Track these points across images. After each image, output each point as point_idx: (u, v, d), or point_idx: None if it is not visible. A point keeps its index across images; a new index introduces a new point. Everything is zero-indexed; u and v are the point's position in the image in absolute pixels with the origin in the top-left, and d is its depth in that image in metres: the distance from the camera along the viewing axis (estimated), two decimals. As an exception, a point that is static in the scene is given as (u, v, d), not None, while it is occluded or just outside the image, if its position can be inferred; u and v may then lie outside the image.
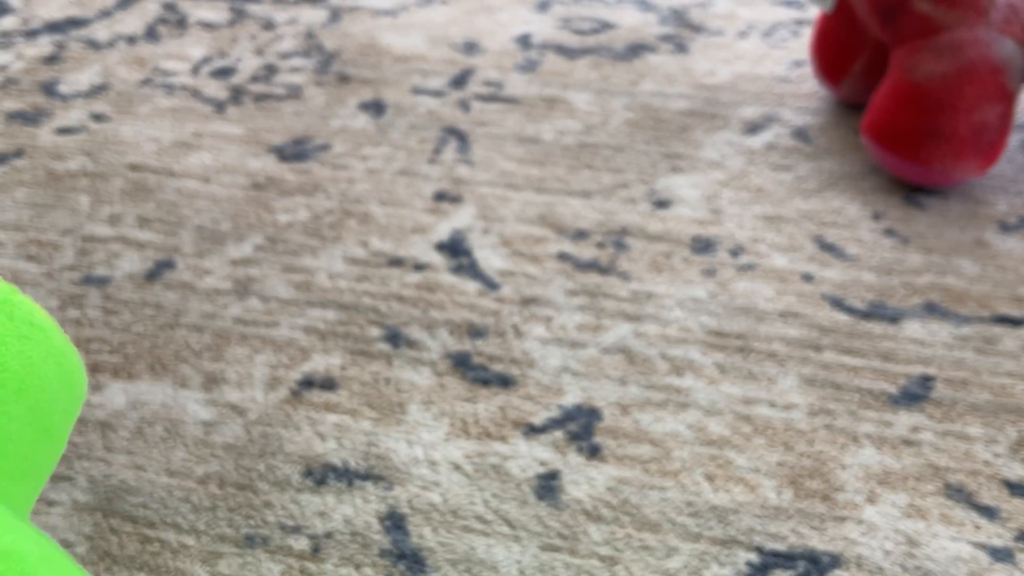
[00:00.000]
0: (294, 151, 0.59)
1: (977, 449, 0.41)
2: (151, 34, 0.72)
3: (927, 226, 0.53)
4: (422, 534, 0.38)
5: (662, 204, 0.55)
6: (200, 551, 0.38)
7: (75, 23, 0.73)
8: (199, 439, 0.42)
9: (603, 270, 0.50)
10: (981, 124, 0.51)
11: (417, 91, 0.65)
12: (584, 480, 0.40)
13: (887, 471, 0.41)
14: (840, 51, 0.59)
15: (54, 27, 0.73)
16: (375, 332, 0.47)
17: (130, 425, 0.43)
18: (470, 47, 0.69)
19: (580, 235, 0.53)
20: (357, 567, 0.37)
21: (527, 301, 0.49)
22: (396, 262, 0.51)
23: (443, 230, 0.53)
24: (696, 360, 0.46)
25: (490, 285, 0.50)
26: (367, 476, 0.41)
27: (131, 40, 0.71)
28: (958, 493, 0.40)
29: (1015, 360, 0.45)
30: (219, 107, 0.63)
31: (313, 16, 0.73)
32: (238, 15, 0.74)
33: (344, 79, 0.66)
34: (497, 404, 0.44)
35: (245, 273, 0.51)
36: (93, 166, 0.59)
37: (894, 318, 0.47)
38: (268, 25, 0.72)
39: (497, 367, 0.45)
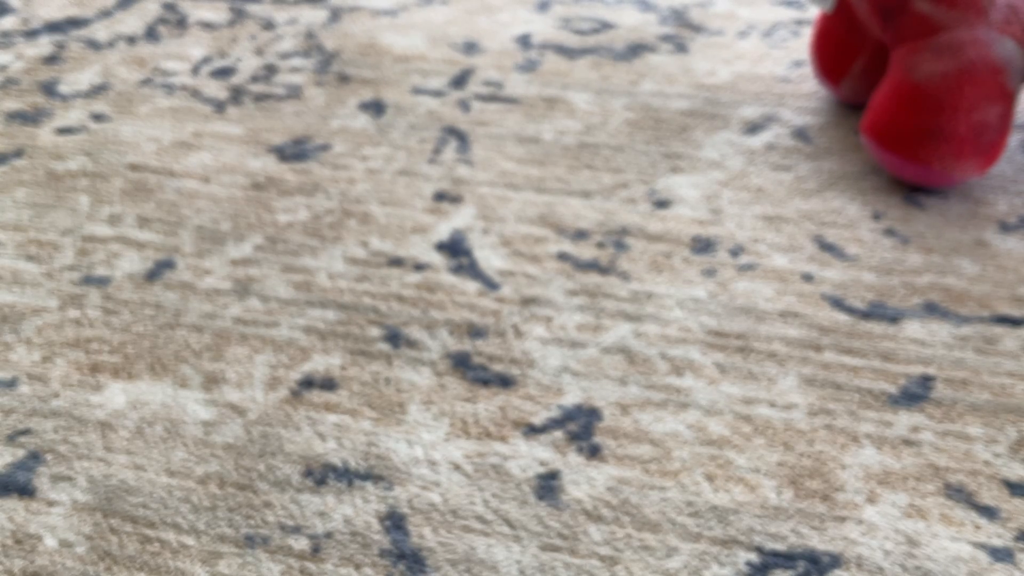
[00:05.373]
0: (294, 151, 0.59)
1: (977, 449, 0.41)
2: (151, 34, 0.72)
3: (927, 226, 0.53)
4: (422, 534, 0.38)
5: (662, 204, 0.55)
6: (200, 551, 0.38)
7: (75, 23, 0.73)
8: (199, 439, 0.42)
9: (603, 270, 0.50)
10: (981, 124, 0.51)
11: (417, 91, 0.65)
12: (584, 480, 0.40)
13: (887, 471, 0.41)
14: (840, 51, 0.59)
15: (54, 27, 0.73)
16: (375, 332, 0.47)
17: (130, 425, 0.43)
18: (470, 47, 0.69)
19: (580, 235, 0.53)
20: (357, 567, 0.37)
21: (527, 301, 0.49)
22: (396, 262, 0.51)
23: (443, 230, 0.53)
24: (696, 360, 0.46)
25: (490, 285, 0.50)
26: (367, 476, 0.41)
27: (131, 40, 0.71)
28: (958, 493, 0.40)
29: (1015, 360, 0.45)
30: (219, 107, 0.63)
31: (313, 16, 0.73)
32: (238, 15, 0.74)
33: (344, 79, 0.66)
34: (497, 404, 0.44)
35: (245, 273, 0.51)
36: (93, 166, 0.59)
37: (894, 318, 0.47)
38: (268, 25, 0.72)
39: (497, 367, 0.45)
